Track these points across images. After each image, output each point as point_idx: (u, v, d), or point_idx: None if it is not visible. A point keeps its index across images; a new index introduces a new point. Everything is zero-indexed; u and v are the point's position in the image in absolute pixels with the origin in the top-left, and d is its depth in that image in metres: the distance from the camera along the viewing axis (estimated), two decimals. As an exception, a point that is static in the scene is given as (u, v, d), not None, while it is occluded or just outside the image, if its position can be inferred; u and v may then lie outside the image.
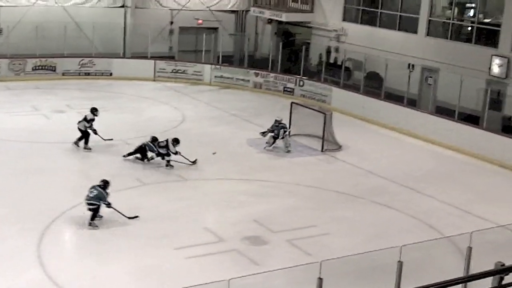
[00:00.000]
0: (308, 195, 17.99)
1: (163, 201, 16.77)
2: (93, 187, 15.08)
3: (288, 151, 21.41)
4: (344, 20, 30.88)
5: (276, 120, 21.67)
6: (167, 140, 19.47)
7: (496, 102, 24.08)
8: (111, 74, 30.81)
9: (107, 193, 15.12)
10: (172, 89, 29.89)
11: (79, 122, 20.46)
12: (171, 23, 33.68)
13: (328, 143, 22.15)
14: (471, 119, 24.04)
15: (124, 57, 32.02)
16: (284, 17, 32.12)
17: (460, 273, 11.72)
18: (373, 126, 25.69)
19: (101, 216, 15.13)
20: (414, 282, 9.71)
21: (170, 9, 33.46)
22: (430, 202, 18.01)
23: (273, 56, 31.24)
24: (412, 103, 26.30)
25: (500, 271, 9.63)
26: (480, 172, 21.22)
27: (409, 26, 27.82)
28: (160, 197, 17.03)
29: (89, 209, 14.96)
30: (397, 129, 25.04)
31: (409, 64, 26.55)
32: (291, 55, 33.21)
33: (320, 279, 9.84)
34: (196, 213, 16.09)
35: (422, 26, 27.15)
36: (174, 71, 31.29)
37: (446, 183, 19.70)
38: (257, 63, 33.55)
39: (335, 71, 29.81)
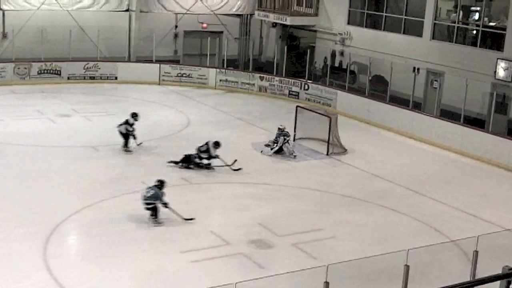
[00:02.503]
0: (313, 199, 17.96)
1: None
2: (149, 187, 15.46)
3: (294, 157, 21.32)
4: (348, 23, 30.87)
5: (279, 128, 21.66)
6: (207, 143, 19.52)
7: (501, 106, 24.03)
8: (116, 78, 30.88)
9: (162, 193, 15.38)
10: (177, 93, 29.92)
11: (120, 125, 20.73)
12: (176, 27, 33.74)
13: (334, 146, 22.13)
14: (476, 122, 24.00)
15: (129, 61, 32.10)
16: (289, 20, 32.12)
17: (467, 277, 11.68)
18: (378, 130, 25.68)
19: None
20: (420, 286, 9.71)
21: (174, 13, 33.50)
22: (435, 205, 17.97)
23: (278, 59, 31.29)
24: (417, 107, 26.28)
25: (508, 275, 9.58)
26: (486, 175, 21.17)
27: (414, 29, 27.80)
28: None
29: (147, 208, 15.30)
30: (402, 133, 25.02)
31: (414, 68, 26.57)
32: (296, 59, 33.22)
33: (327, 283, 9.82)
34: (201, 217, 16.05)
35: (427, 29, 27.12)
36: (179, 75, 31.33)
37: (451, 186, 19.66)
38: (262, 66, 33.59)
39: (340, 75, 29.82)
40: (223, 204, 17.17)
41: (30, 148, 20.69)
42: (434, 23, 27.01)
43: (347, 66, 29.54)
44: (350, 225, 16.24)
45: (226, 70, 31.43)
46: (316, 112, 23.29)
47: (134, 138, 20.71)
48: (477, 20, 26.06)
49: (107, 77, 30.80)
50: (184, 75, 31.33)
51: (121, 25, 32.37)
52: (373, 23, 29.96)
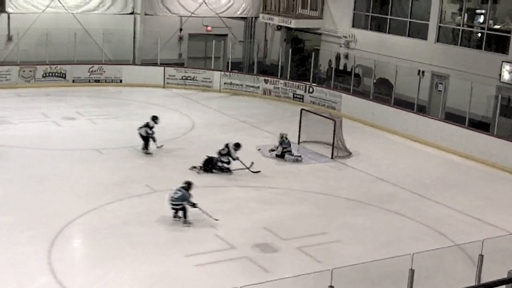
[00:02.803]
0: (318, 202, 17.95)
1: (173, 208, 16.76)
2: (177, 188, 15.71)
3: (300, 160, 21.26)
4: (353, 26, 30.87)
5: (280, 134, 21.66)
6: (227, 146, 19.57)
7: (506, 109, 23.99)
8: (121, 81, 30.93)
9: (190, 194, 15.65)
10: (182, 96, 29.95)
11: (140, 128, 20.91)
12: (181, 29, 33.78)
13: (338, 149, 22.11)
14: (481, 125, 23.95)
15: (134, 64, 32.12)
16: (293, 23, 32.13)
17: (472, 282, 11.64)
18: (383, 133, 25.65)
19: (180, 217, 15.70)
20: (426, 290, 9.67)
21: (179, 16, 33.55)
22: (440, 209, 17.93)
23: (283, 62, 31.30)
24: (422, 110, 26.25)
25: (513, 279, 9.57)
26: (491, 179, 21.12)
27: (418, 32, 27.78)
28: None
29: (173, 209, 15.62)
30: (407, 136, 24.99)
31: (419, 71, 26.55)
32: (301, 62, 33.21)
33: (332, 287, 9.80)
34: (206, 220, 16.03)
35: (432, 32, 27.10)
36: (183, 77, 31.36)
37: (456, 190, 19.63)
38: (267, 69, 33.60)
39: (345, 78, 29.81)
40: (228, 207, 17.15)
41: (35, 151, 20.72)
42: (439, 26, 26.99)
43: (351, 69, 29.53)
44: (355, 228, 16.22)
45: (231, 73, 31.44)
46: (320, 115, 23.28)
47: (154, 140, 20.90)
48: (482, 23, 26.03)
49: (112, 80, 30.84)
50: (188, 78, 31.36)
51: (126, 28, 32.42)
52: (378, 26, 29.94)
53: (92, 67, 30.49)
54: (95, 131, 23.52)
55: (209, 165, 19.50)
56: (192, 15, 33.58)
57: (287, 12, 32.96)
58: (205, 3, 33.61)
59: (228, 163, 19.52)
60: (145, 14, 32.61)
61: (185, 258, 13.97)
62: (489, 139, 22.66)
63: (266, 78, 30.83)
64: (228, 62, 32.48)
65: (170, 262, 13.77)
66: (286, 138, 21.52)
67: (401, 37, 28.48)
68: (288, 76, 30.85)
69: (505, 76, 23.97)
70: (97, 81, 30.59)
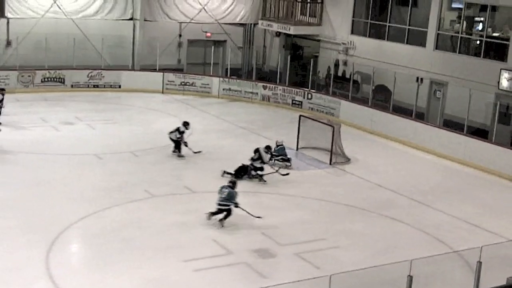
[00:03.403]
0: (316, 208, 17.94)
1: (172, 213, 16.75)
2: (223, 187, 15.90)
3: (287, 166, 21.14)
4: (352, 33, 30.92)
5: (276, 142, 21.65)
6: (258, 151, 19.59)
7: (505, 116, 24.01)
8: (120, 87, 30.93)
9: (236, 193, 15.90)
10: (181, 102, 29.96)
11: (171, 132, 21.33)
12: (180, 35, 33.82)
13: (337, 156, 22.12)
14: (480, 133, 23.99)
15: (133, 69, 32.12)
16: (292, 30, 32.19)
17: (470, 288, 11.67)
18: (382, 139, 25.67)
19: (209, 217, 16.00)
20: (424, 296, 9.66)
21: (178, 22, 33.59)
22: (439, 216, 17.94)
23: (281, 69, 31.34)
24: (421, 117, 26.27)
25: None
26: (489, 186, 21.13)
27: (417, 39, 27.82)
28: (168, 209, 17.01)
29: (220, 210, 15.77)
30: (406, 143, 25.01)
31: (417, 78, 26.60)
32: (299, 68, 33.25)
33: (330, 293, 9.81)
34: (204, 225, 16.04)
35: (431, 39, 27.15)
36: (182, 83, 31.38)
37: (455, 197, 19.64)
38: (266, 76, 33.63)
39: (343, 84, 29.84)
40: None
41: (34, 156, 20.70)
42: (438, 33, 27.04)
43: (350, 75, 29.57)
44: (353, 235, 16.22)
45: (230, 79, 31.48)
46: (319, 122, 23.31)
47: (186, 145, 21.16)
48: (481, 31, 26.10)
49: (111, 85, 30.85)
50: (187, 83, 31.38)
51: (125, 33, 32.46)
52: (377, 33, 29.98)
53: (91, 72, 30.49)
54: (94, 136, 23.52)
55: (241, 173, 19.46)
56: (191, 21, 33.62)
57: (286, 18, 33.01)
58: (205, 9, 33.67)
59: (262, 169, 19.49)
60: (144, 20, 32.63)
61: (183, 263, 13.95)
62: (488, 146, 22.69)
63: (265, 84, 30.86)
64: (227, 68, 32.54)
65: (168, 267, 13.75)
66: (277, 146, 21.47)
67: (400, 44, 28.52)
68: (287, 82, 30.88)
69: (504, 83, 24.00)
70: (96, 86, 30.59)
